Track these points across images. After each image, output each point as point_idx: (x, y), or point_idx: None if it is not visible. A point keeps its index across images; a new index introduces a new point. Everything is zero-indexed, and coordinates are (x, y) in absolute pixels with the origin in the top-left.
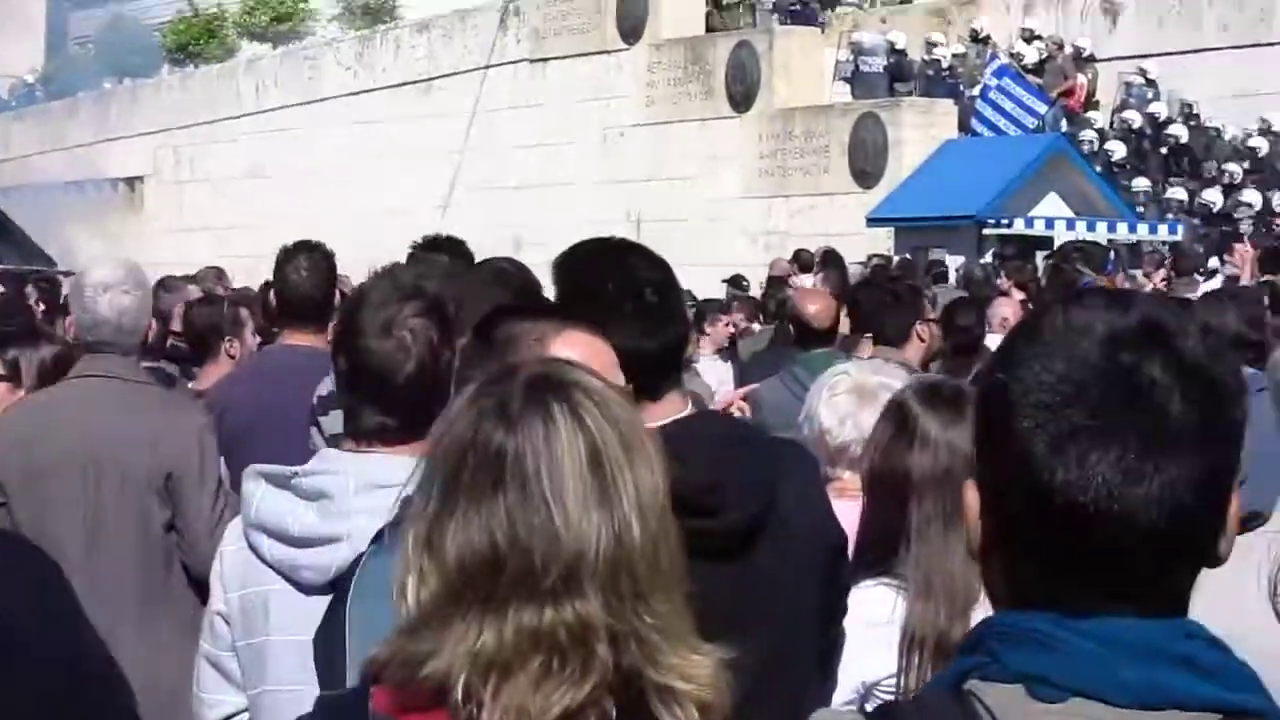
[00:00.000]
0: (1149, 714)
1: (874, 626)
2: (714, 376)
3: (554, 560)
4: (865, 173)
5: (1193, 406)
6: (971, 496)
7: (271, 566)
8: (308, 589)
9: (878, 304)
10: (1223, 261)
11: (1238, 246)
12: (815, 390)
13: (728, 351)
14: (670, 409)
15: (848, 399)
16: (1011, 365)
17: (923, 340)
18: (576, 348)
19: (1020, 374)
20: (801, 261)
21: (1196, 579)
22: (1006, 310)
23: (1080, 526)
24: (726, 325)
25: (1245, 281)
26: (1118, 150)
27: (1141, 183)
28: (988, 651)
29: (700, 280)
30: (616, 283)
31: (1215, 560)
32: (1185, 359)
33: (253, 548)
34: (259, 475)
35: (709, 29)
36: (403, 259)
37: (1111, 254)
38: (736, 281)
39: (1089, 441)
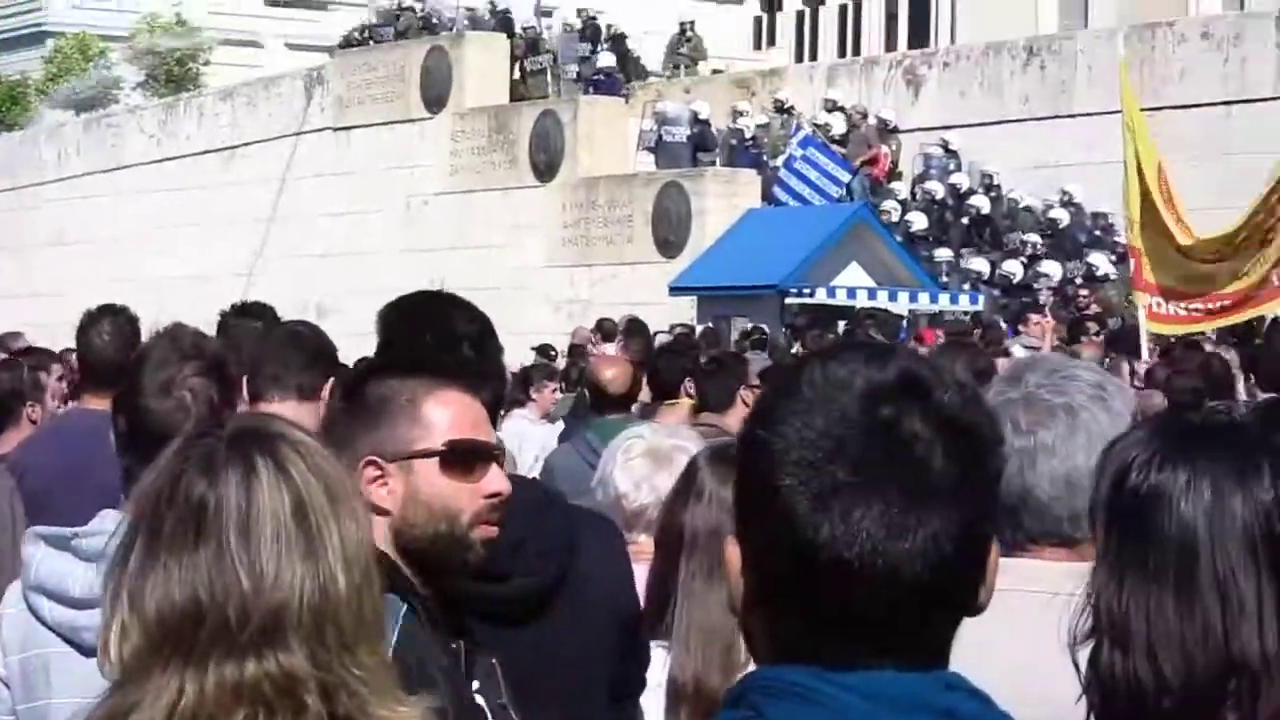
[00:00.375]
0: None
1: (648, 690)
2: (539, 441)
3: (254, 612)
4: (669, 242)
5: (953, 459)
6: (733, 553)
7: (52, 629)
8: (89, 651)
9: (699, 371)
10: (1016, 333)
11: (1032, 318)
12: (609, 455)
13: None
14: None
15: (643, 462)
16: (772, 422)
17: (747, 405)
18: (450, 406)
19: (781, 430)
20: (604, 330)
21: (958, 630)
22: None
23: (845, 582)
24: (553, 391)
25: (1046, 349)
26: (919, 221)
27: (944, 253)
28: (751, 705)
29: (505, 349)
30: (435, 334)
31: (975, 611)
32: (944, 411)
33: (33, 610)
34: (38, 537)
35: (513, 98)
36: (206, 327)
37: (904, 322)
38: (545, 351)
39: (852, 497)
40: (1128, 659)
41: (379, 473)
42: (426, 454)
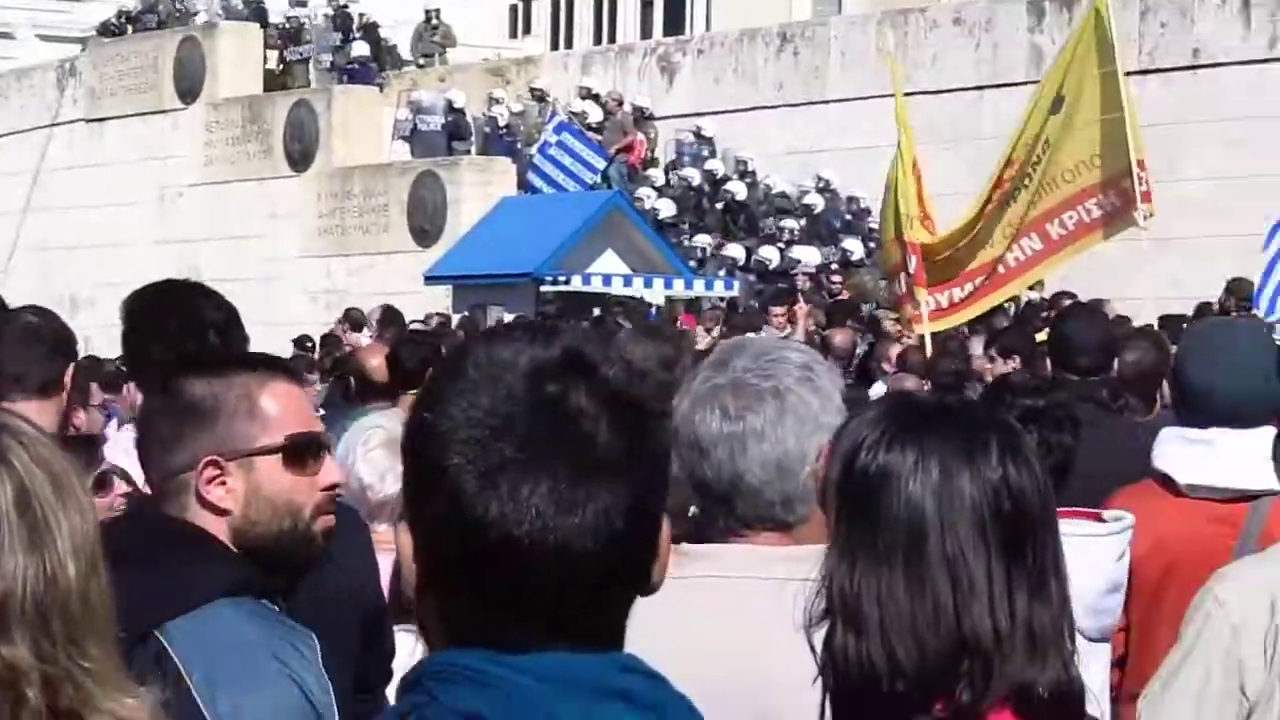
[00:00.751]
0: None
1: (396, 678)
2: None
3: None
4: (424, 231)
5: (619, 433)
6: (405, 539)
7: None
8: None
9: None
10: (766, 321)
11: (774, 309)
12: (347, 447)
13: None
14: None
15: (383, 453)
16: (438, 403)
17: None
18: (284, 399)
19: (448, 411)
20: (352, 320)
21: (632, 609)
22: None
23: (516, 560)
24: (314, 383)
25: (799, 338)
26: (673, 207)
27: (701, 239)
28: (425, 691)
29: (262, 340)
30: (180, 322)
31: (649, 588)
32: (610, 387)
33: None
34: None
35: (267, 88)
36: None
37: (653, 309)
38: (302, 342)
39: (520, 474)
40: (861, 641)
41: (218, 472)
42: (269, 450)
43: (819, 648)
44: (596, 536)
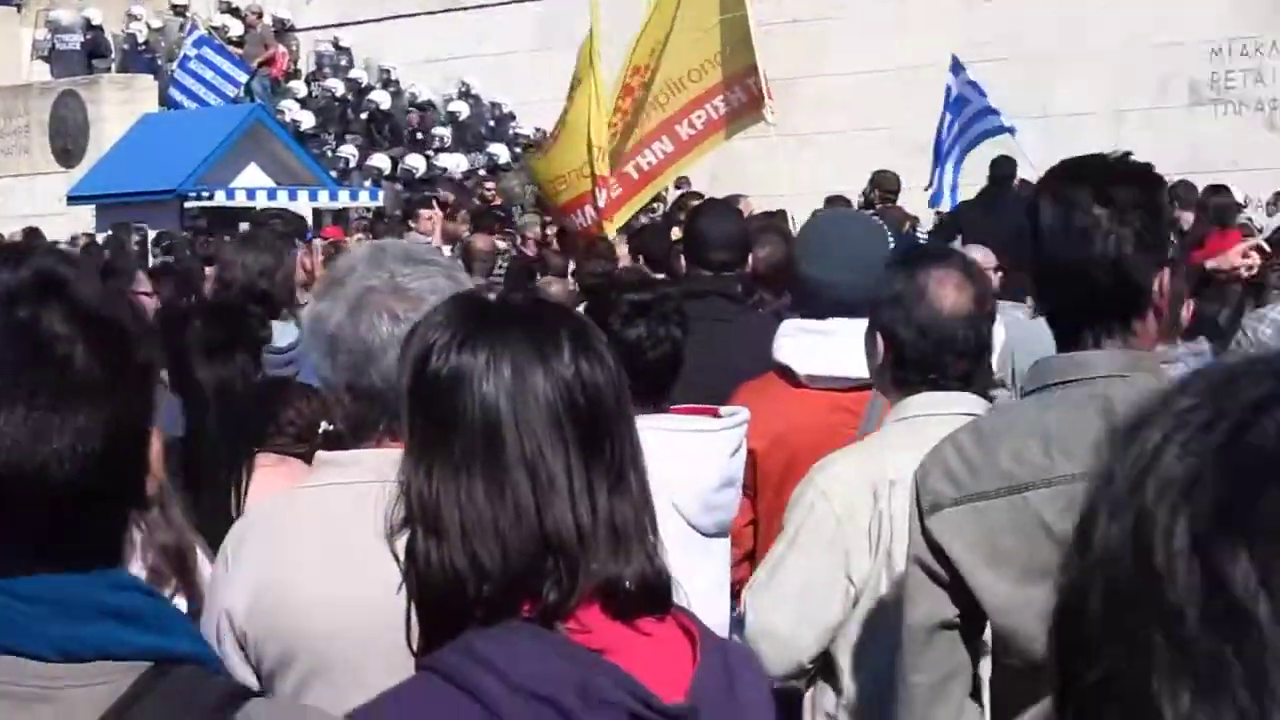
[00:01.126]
0: (79, 666)
1: None
2: None
3: None
4: (67, 151)
5: (96, 354)
6: None
7: None
8: None
9: None
10: (408, 228)
11: (423, 213)
12: None
13: None
14: None
15: None
16: None
17: None
18: None
19: None
20: None
21: (128, 524)
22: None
23: None
24: None
25: (437, 244)
26: (315, 119)
27: (345, 150)
28: None
29: None
30: None
31: (145, 503)
32: (84, 308)
33: None
34: None
35: None
36: None
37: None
38: None
39: None
40: (442, 546)
41: None
42: None
43: (401, 556)
44: (75, 460)
